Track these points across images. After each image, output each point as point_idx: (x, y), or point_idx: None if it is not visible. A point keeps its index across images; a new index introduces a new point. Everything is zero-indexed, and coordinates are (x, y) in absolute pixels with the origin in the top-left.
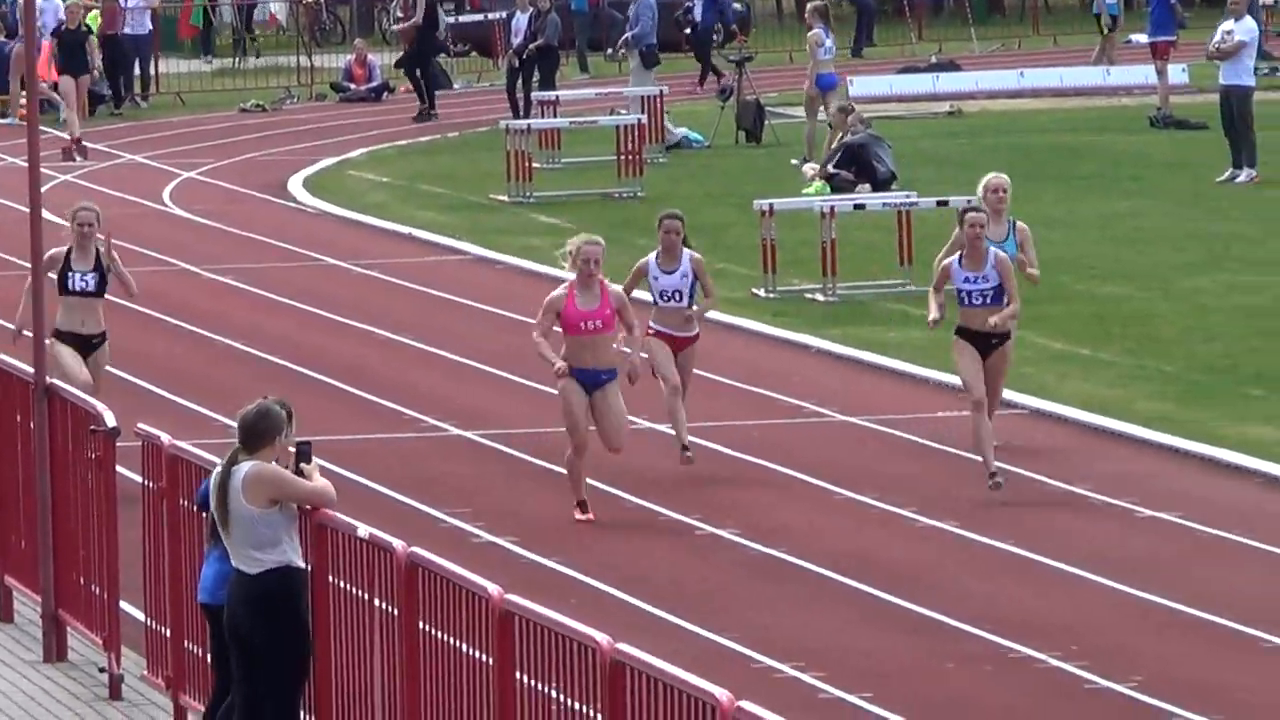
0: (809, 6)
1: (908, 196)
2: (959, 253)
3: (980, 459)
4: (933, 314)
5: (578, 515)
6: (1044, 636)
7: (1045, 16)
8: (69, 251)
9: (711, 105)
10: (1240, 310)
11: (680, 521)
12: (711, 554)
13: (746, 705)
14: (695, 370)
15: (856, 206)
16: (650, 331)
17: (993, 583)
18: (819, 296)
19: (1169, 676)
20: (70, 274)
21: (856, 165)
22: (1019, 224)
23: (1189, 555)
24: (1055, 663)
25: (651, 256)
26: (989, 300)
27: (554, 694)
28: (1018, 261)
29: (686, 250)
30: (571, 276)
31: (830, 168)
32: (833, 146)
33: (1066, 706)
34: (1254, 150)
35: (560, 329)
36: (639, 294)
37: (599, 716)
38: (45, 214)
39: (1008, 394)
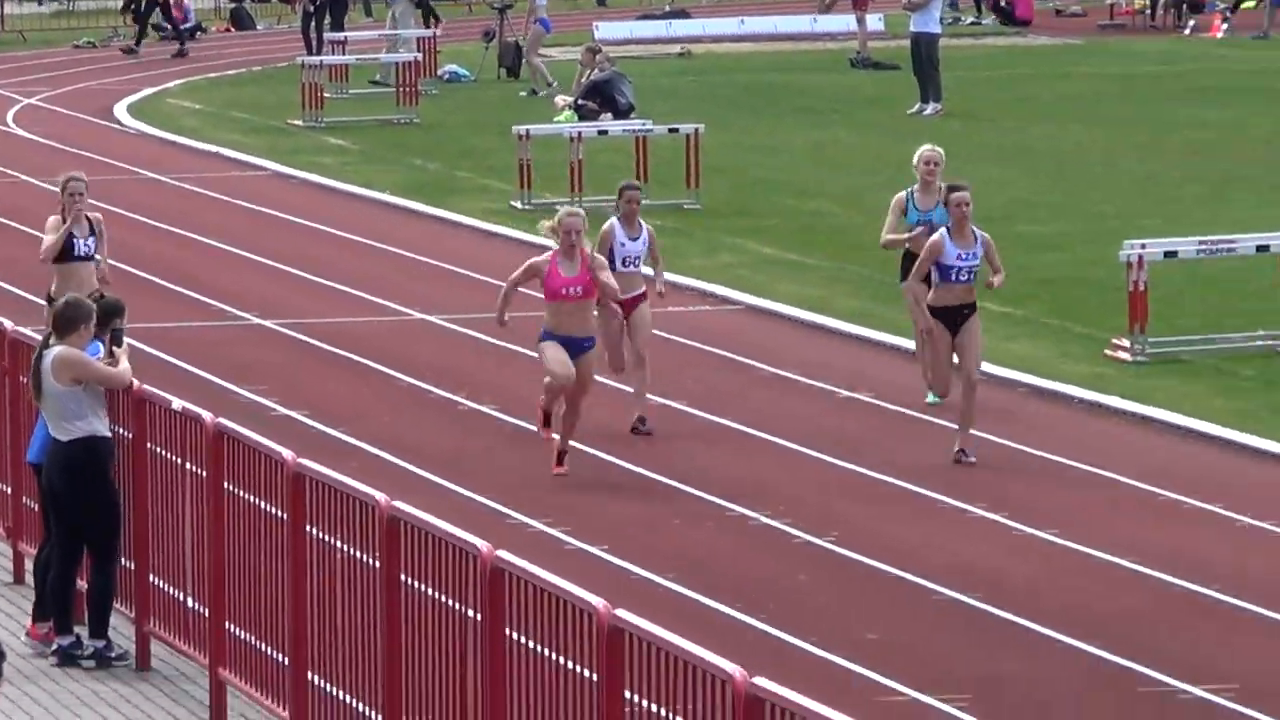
0: None
1: (644, 124)
2: (944, 229)
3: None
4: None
5: (558, 468)
6: (758, 498)
7: None
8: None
9: (477, 45)
10: None
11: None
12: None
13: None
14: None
15: (600, 133)
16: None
17: (686, 442)
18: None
19: (855, 532)
20: (74, 240)
21: (601, 98)
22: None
23: (873, 428)
24: (767, 520)
25: (615, 223)
26: (973, 276)
27: (341, 545)
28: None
29: (643, 220)
30: (554, 246)
31: (579, 99)
32: (582, 81)
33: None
34: (939, 88)
35: (543, 295)
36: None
37: (374, 562)
38: None
39: (730, 293)
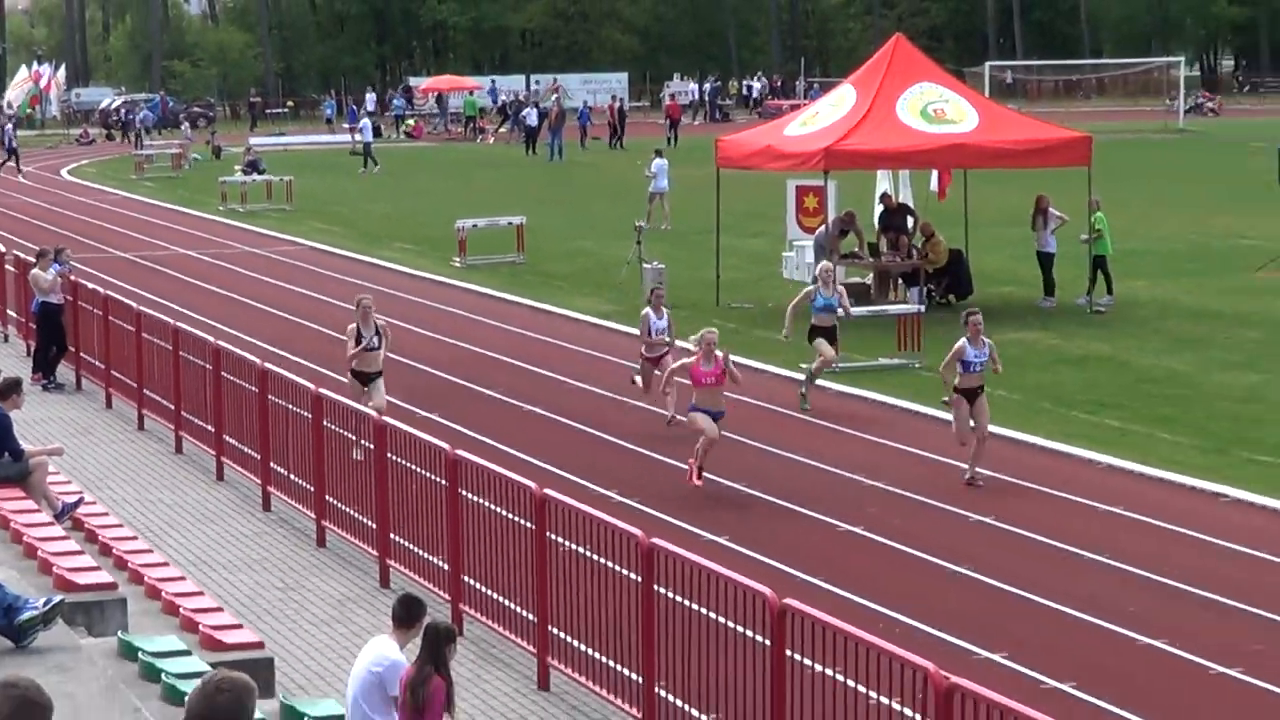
0: None
1: None
2: (964, 338)
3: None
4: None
5: (696, 481)
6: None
7: None
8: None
9: None
10: None
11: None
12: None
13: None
14: None
15: None
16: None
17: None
18: None
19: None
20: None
21: None
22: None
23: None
24: None
25: (649, 310)
26: (983, 368)
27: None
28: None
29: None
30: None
31: None
32: None
33: None
34: None
35: (689, 381)
36: None
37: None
38: None
39: None
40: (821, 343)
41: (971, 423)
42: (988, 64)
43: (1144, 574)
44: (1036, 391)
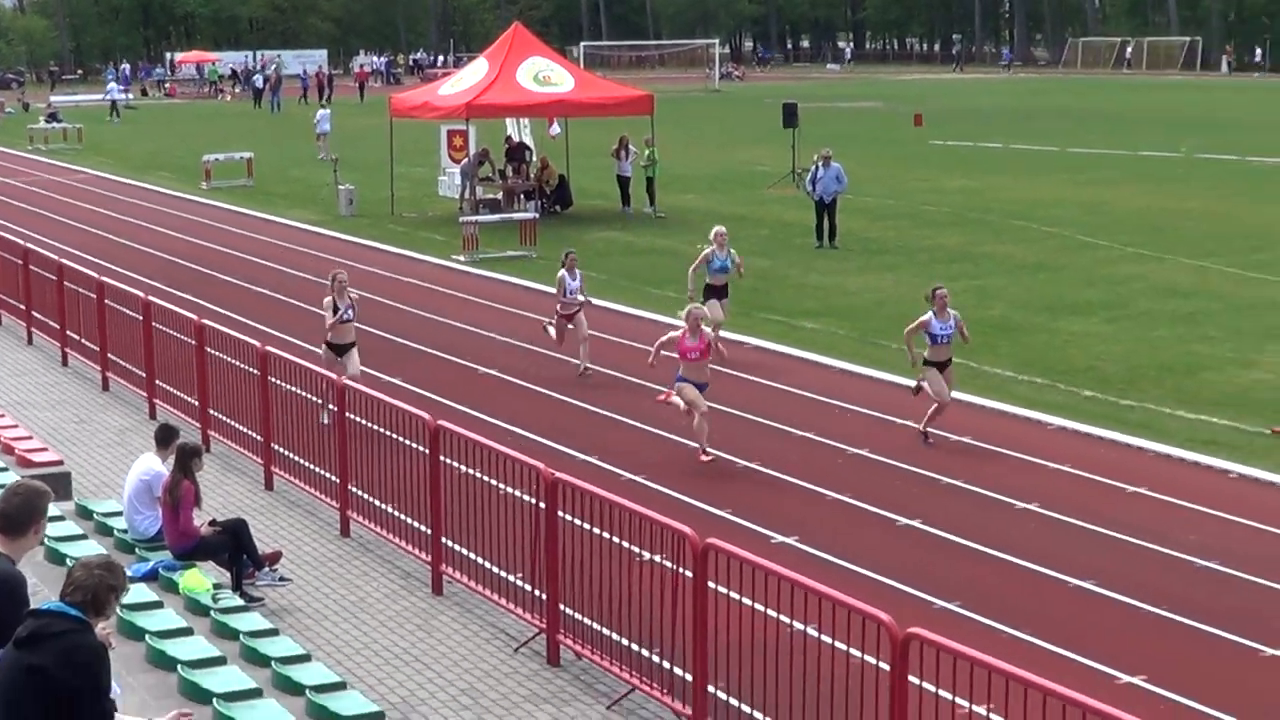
0: None
1: None
2: (929, 311)
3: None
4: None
5: (703, 458)
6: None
7: None
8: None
9: None
10: None
11: None
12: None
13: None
14: None
15: None
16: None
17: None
18: None
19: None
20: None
21: None
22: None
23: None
24: None
25: (565, 274)
26: (951, 339)
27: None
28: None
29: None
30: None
31: None
32: None
33: None
34: None
35: (676, 354)
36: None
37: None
38: None
39: None
40: (714, 303)
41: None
42: (582, 44)
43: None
44: (618, 273)
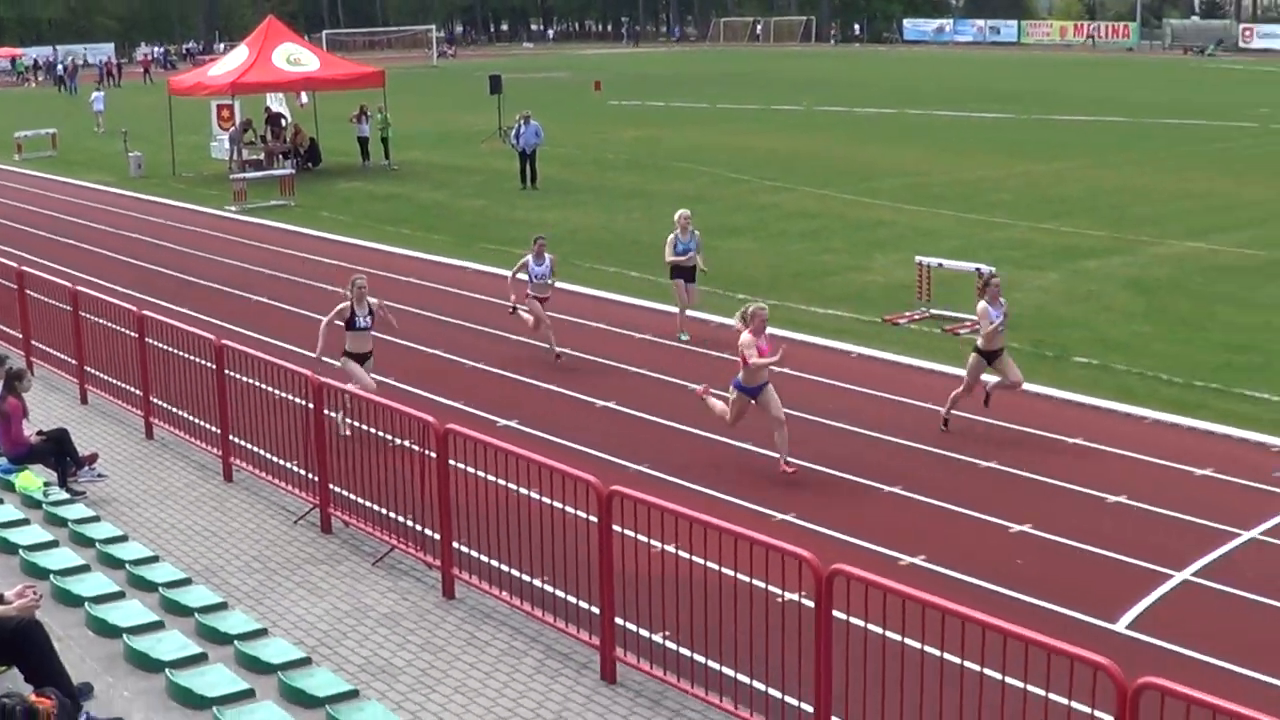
0: None
1: None
2: (983, 301)
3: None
4: None
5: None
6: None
7: None
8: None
9: None
10: None
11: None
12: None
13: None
14: None
15: None
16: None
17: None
18: None
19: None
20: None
21: None
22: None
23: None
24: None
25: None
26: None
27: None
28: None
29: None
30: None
31: None
32: None
33: None
34: None
35: (753, 358)
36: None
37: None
38: None
39: None
40: (680, 283)
41: (995, 377)
42: (324, 31)
43: (505, 373)
44: (363, 215)
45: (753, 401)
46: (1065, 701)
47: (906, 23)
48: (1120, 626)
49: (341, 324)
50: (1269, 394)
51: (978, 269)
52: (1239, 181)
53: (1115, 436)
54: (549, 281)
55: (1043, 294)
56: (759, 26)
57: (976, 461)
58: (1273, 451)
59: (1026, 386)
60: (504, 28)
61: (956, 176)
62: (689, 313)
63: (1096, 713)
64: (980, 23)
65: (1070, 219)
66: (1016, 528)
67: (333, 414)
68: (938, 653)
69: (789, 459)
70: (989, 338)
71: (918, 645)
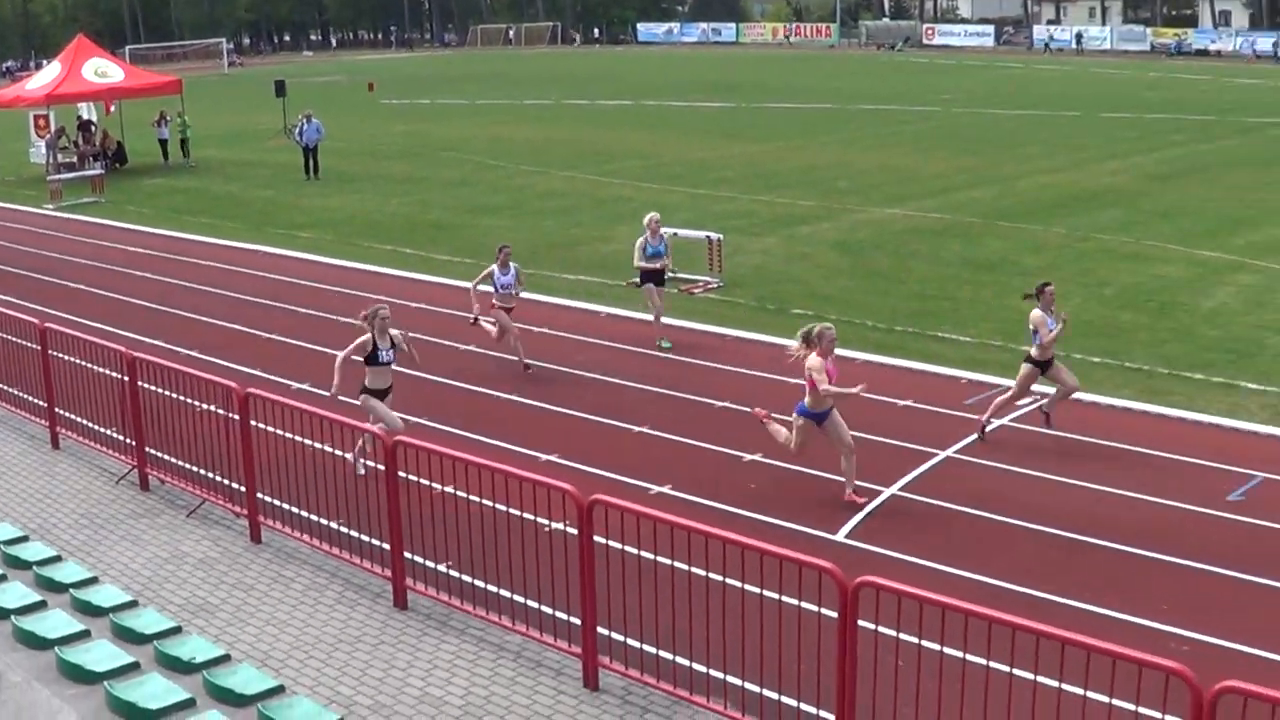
0: None
1: None
2: (1037, 308)
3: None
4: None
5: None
6: None
7: None
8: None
9: None
10: None
11: None
12: None
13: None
14: None
15: None
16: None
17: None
18: None
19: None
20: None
21: None
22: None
23: None
24: None
25: (495, 266)
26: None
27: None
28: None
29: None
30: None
31: None
32: None
33: None
34: None
35: (821, 383)
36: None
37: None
38: None
39: None
40: (650, 288)
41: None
42: (128, 46)
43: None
44: (166, 208)
45: (819, 427)
46: (795, 603)
47: (640, 26)
48: (840, 536)
49: (360, 359)
50: (956, 335)
51: (708, 236)
52: (926, 157)
53: None
54: (515, 291)
55: (764, 256)
56: (511, 31)
57: (712, 402)
58: (962, 383)
59: (750, 335)
60: (286, 39)
61: (686, 157)
62: (663, 319)
63: (823, 610)
64: (704, 25)
65: (785, 191)
66: (749, 457)
67: (347, 456)
68: (686, 567)
69: (856, 484)
70: (1045, 346)
71: (669, 562)
